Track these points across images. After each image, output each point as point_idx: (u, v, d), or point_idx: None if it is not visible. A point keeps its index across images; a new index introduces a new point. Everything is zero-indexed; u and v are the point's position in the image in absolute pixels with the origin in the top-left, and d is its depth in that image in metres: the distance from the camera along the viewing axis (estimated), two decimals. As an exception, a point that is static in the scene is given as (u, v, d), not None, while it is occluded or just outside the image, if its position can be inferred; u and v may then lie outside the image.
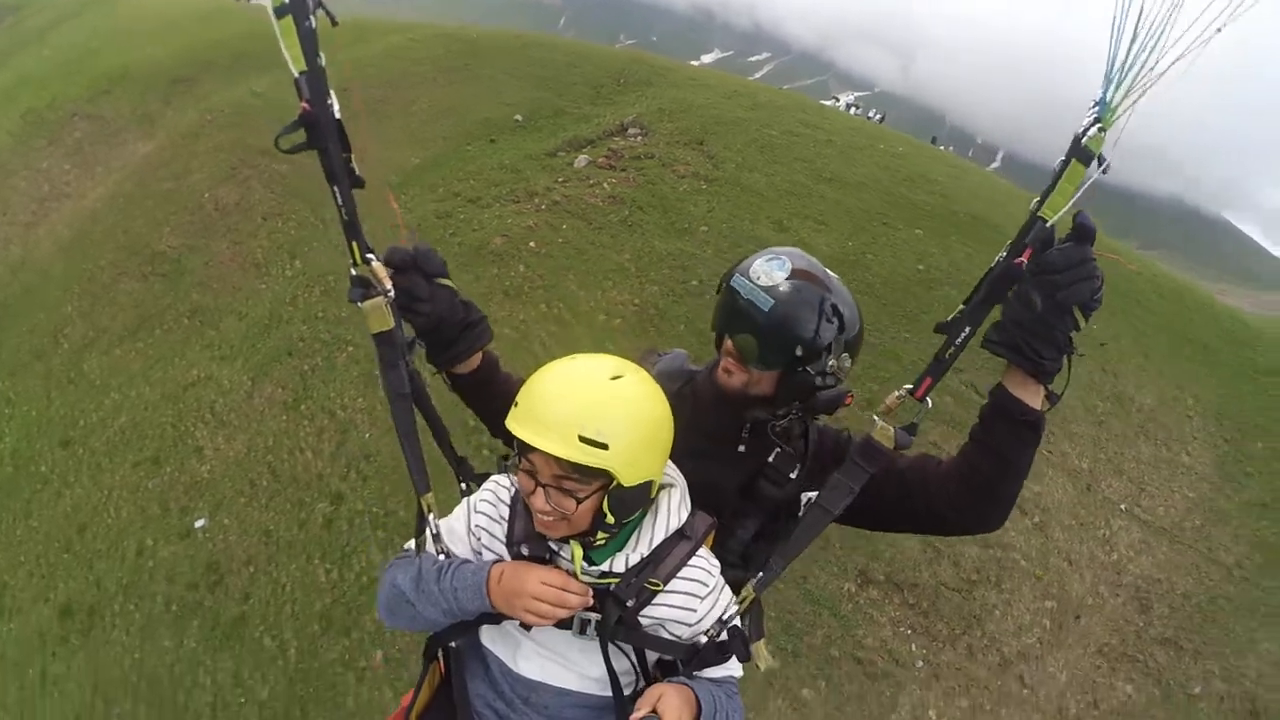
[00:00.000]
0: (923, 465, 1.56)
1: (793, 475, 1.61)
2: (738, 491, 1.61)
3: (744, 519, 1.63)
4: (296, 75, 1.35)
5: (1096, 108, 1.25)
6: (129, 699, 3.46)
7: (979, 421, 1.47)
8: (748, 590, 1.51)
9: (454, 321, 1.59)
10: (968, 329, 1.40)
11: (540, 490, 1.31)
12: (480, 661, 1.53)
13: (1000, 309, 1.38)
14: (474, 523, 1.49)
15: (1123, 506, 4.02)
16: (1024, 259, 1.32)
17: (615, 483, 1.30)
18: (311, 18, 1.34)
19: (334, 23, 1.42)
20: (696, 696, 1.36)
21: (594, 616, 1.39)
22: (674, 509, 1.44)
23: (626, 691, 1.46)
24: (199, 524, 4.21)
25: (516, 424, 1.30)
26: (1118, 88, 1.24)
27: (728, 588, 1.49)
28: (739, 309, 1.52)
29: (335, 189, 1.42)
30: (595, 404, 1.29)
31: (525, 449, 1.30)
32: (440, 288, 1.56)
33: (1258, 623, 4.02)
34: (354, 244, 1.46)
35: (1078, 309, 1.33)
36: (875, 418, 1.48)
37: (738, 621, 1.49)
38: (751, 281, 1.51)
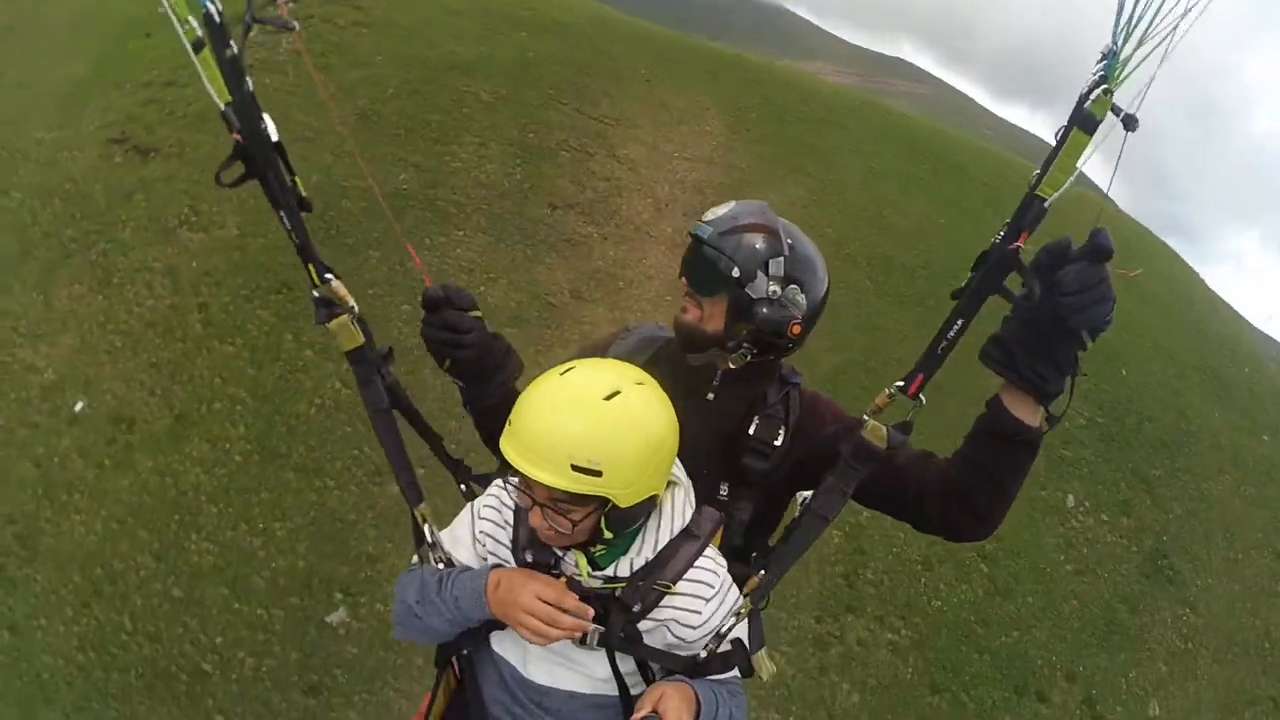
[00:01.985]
0: (922, 465, 1.56)
1: (777, 443, 1.61)
2: (718, 450, 1.62)
3: (739, 500, 1.64)
4: (223, 108, 1.30)
5: (1103, 63, 1.11)
6: None
7: (972, 436, 1.44)
8: (745, 602, 1.49)
9: (495, 350, 1.63)
10: (960, 321, 1.31)
11: (536, 508, 1.33)
12: (494, 667, 1.54)
13: (1002, 322, 1.31)
14: (478, 529, 1.52)
15: (675, 154, 7.05)
16: (1020, 243, 1.24)
17: (611, 504, 1.30)
18: (233, 43, 1.26)
19: (291, 28, 1.38)
20: (697, 694, 1.39)
21: (598, 629, 1.40)
22: (679, 508, 1.46)
23: (634, 691, 1.47)
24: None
25: (509, 448, 1.30)
26: (1128, 37, 1.06)
27: (735, 588, 1.50)
28: (689, 245, 1.60)
29: (281, 214, 1.38)
30: (587, 430, 1.26)
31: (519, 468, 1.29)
32: (475, 320, 1.58)
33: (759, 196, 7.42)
34: (310, 266, 1.43)
35: (1086, 333, 1.25)
36: (865, 416, 1.44)
37: (743, 633, 1.50)
38: (701, 220, 1.61)
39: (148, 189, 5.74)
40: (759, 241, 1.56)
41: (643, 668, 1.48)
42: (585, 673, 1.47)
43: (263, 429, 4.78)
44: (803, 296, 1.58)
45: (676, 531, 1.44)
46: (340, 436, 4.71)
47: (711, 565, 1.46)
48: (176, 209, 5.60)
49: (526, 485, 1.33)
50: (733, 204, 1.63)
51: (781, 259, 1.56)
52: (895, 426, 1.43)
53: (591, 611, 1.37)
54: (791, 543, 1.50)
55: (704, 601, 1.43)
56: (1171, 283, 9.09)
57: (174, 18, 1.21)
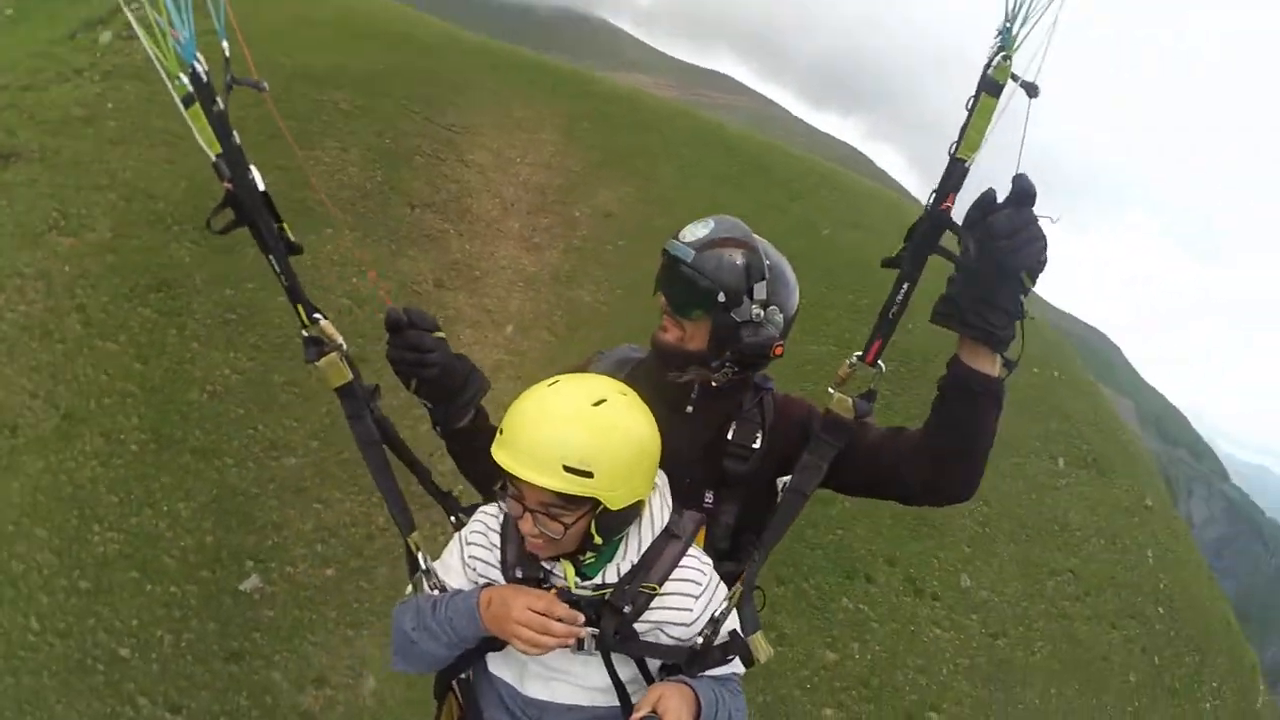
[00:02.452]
0: (893, 438, 1.62)
1: (755, 445, 1.66)
2: (699, 459, 1.66)
3: (722, 504, 1.68)
4: (214, 159, 1.39)
5: (1000, 36, 1.27)
6: None
7: (938, 394, 1.51)
8: (736, 587, 1.54)
9: (458, 370, 1.66)
10: (906, 285, 1.43)
11: (528, 515, 1.37)
12: (493, 689, 1.57)
13: (947, 282, 1.40)
14: (468, 554, 1.56)
15: (517, 159, 7.54)
16: (948, 204, 1.35)
17: (602, 507, 1.36)
18: (219, 100, 1.36)
19: (263, 89, 1.41)
20: (697, 694, 1.41)
21: (592, 631, 1.44)
22: (656, 511, 1.51)
23: (635, 699, 1.47)
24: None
25: (502, 452, 1.36)
26: (1019, 12, 1.23)
27: (722, 584, 1.55)
28: (667, 264, 1.62)
29: (271, 259, 1.46)
30: (579, 433, 1.33)
31: (511, 475, 1.35)
32: (439, 341, 1.63)
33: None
34: (299, 306, 1.52)
35: (1025, 275, 1.33)
36: (831, 389, 1.53)
37: (736, 623, 1.54)
38: (679, 240, 1.61)
39: (10, 193, 5.72)
40: (741, 262, 1.59)
41: (644, 672, 1.53)
42: (582, 684, 1.51)
43: (155, 418, 5.01)
44: (780, 315, 1.64)
45: (658, 533, 1.50)
46: (234, 419, 5.03)
47: (696, 564, 1.52)
48: (43, 213, 5.63)
49: (518, 492, 1.38)
50: (711, 223, 1.64)
51: (764, 283, 1.61)
52: (860, 396, 1.54)
53: (582, 618, 1.41)
54: (774, 522, 1.58)
55: (693, 599, 1.48)
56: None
57: (165, 75, 1.34)
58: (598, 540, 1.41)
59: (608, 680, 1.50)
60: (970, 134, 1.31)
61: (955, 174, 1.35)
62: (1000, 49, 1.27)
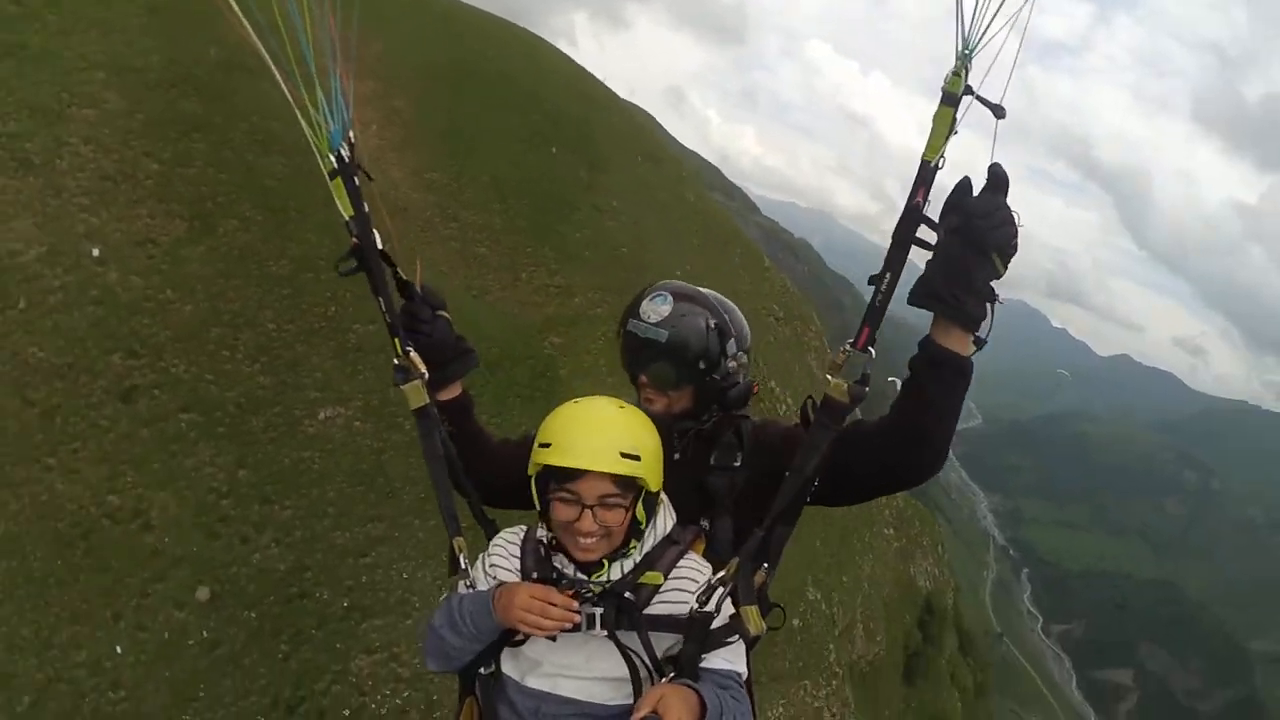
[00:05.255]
0: (866, 425, 1.76)
1: (736, 464, 1.84)
2: (690, 493, 1.83)
3: (716, 520, 1.84)
4: (347, 219, 1.79)
5: (959, 61, 1.46)
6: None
7: (910, 374, 1.64)
8: (734, 560, 1.71)
9: (448, 345, 1.96)
10: (889, 275, 1.56)
11: (587, 513, 1.57)
12: (504, 688, 1.77)
13: (925, 267, 1.55)
14: (488, 564, 1.84)
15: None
16: (920, 199, 1.52)
17: (645, 490, 1.59)
18: (355, 178, 1.78)
19: (370, 179, 1.79)
20: (700, 697, 1.50)
21: (597, 610, 1.63)
22: (661, 521, 1.75)
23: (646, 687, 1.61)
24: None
25: (560, 458, 1.57)
26: (969, 42, 1.45)
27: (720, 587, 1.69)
28: (641, 347, 1.82)
29: (380, 299, 1.84)
30: (622, 425, 1.62)
31: (566, 480, 1.57)
32: (440, 318, 1.95)
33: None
34: (396, 340, 1.88)
35: (996, 255, 1.48)
36: (828, 376, 1.64)
37: (727, 617, 1.66)
38: (644, 321, 1.79)
39: (3, 85, 6.01)
40: (711, 329, 1.82)
41: (648, 668, 1.67)
42: (584, 675, 1.70)
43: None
44: (746, 356, 1.88)
45: (660, 539, 1.74)
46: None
47: (695, 564, 1.76)
48: (50, 95, 6.07)
49: (573, 494, 1.60)
50: (668, 296, 1.85)
51: (733, 340, 1.84)
52: (856, 381, 1.65)
53: (575, 604, 1.62)
54: (777, 502, 1.73)
55: (689, 594, 1.69)
56: (527, 47, 12.56)
57: (317, 152, 1.77)
58: (643, 525, 1.67)
59: (610, 669, 1.68)
60: (932, 139, 1.50)
61: (924, 173, 1.52)
62: (954, 72, 1.47)
